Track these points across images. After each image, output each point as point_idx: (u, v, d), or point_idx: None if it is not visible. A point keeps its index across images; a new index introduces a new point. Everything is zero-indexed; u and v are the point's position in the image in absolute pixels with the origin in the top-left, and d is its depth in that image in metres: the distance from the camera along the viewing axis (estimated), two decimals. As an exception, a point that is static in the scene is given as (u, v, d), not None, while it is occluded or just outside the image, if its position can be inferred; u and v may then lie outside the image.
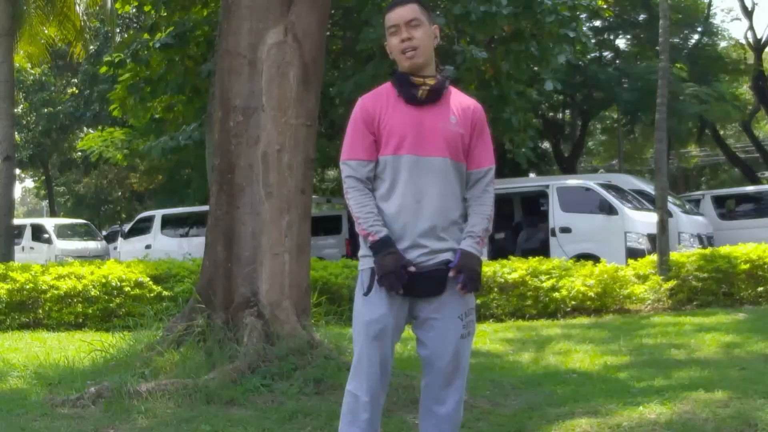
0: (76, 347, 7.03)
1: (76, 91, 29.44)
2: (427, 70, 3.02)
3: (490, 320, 9.31)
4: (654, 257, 10.07)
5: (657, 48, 14.02)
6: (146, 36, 13.56)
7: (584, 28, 15.75)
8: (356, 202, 2.98)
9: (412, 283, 2.90)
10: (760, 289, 9.45)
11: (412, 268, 2.89)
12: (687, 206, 14.34)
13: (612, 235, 11.84)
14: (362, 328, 2.96)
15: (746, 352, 6.27)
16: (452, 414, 2.99)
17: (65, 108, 29.07)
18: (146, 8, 13.99)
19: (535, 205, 14.93)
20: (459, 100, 3.07)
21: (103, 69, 14.21)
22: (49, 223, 21.97)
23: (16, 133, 17.99)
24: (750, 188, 17.83)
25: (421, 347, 3.02)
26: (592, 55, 23.32)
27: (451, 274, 2.91)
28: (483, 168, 3.03)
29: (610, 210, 12.06)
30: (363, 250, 3.00)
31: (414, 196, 2.94)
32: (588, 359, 6.20)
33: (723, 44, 27.62)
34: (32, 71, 28.84)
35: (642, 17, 25.04)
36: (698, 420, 3.95)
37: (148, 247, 17.11)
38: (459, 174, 3.01)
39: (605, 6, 16.39)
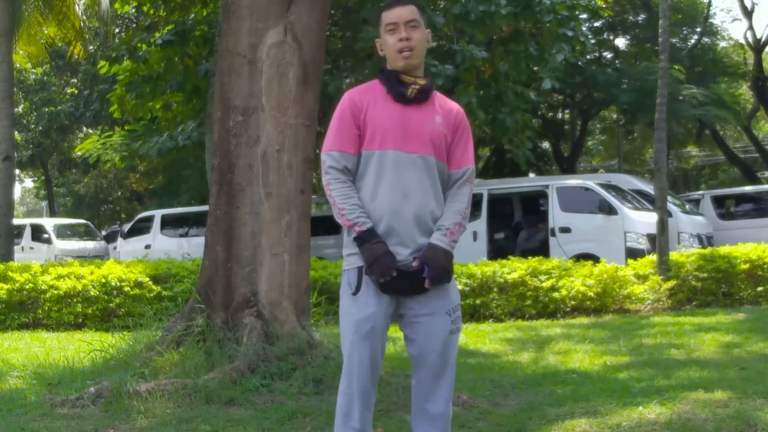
0: (76, 347, 7.03)
1: (76, 91, 29.42)
2: (418, 71, 3.06)
3: (490, 320, 9.31)
4: (654, 257, 10.07)
5: (657, 48, 14.02)
6: (145, 33, 13.54)
7: (583, 28, 15.74)
8: (340, 193, 2.98)
9: (398, 282, 2.92)
10: (760, 289, 9.45)
11: (404, 259, 2.91)
12: (687, 206, 14.35)
13: (612, 235, 11.84)
14: (352, 328, 2.97)
15: (746, 352, 6.27)
16: (444, 411, 3.01)
17: (65, 108, 29.05)
18: (145, 8, 13.97)
19: (534, 205, 14.93)
20: (443, 103, 3.12)
21: (103, 68, 14.18)
22: (49, 223, 21.97)
23: (16, 132, 18.00)
24: (750, 188, 17.83)
25: (410, 345, 3.04)
26: (592, 55, 23.32)
27: (414, 263, 2.91)
28: (463, 168, 3.06)
29: (609, 210, 12.06)
30: (348, 249, 3.00)
31: (401, 192, 2.95)
32: (588, 359, 6.20)
33: (723, 44, 27.66)
34: (34, 71, 28.83)
35: (642, 17, 25.05)
36: (698, 420, 3.95)
37: (147, 247, 17.10)
38: (441, 173, 3.04)
39: (604, 5, 16.37)
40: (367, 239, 2.91)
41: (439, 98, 3.12)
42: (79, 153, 18.55)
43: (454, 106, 3.14)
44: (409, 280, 2.92)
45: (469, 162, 3.08)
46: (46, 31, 17.02)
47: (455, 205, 3.01)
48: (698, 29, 25.39)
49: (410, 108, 3.02)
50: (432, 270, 2.90)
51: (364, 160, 3.00)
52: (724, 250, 9.89)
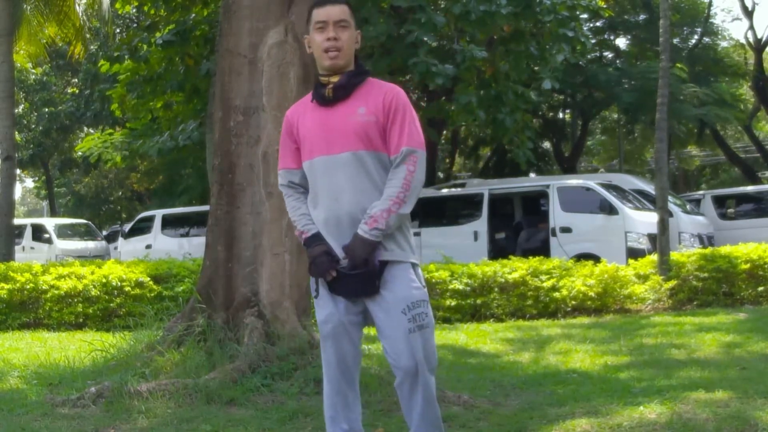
0: (77, 347, 7.02)
1: (77, 91, 29.43)
2: (346, 70, 3.04)
3: (491, 320, 9.31)
4: (654, 257, 10.07)
5: (657, 48, 14.03)
6: (146, 33, 13.55)
7: (584, 28, 15.75)
8: (290, 206, 3.13)
9: (340, 284, 2.94)
10: (761, 288, 9.45)
11: (344, 262, 2.93)
12: (687, 206, 14.34)
13: (612, 235, 11.85)
14: (319, 330, 3.06)
15: (747, 352, 6.27)
16: (424, 411, 2.99)
17: (66, 108, 29.06)
18: (146, 8, 13.97)
19: (535, 205, 14.94)
20: (375, 89, 3.04)
21: (104, 67, 14.19)
22: (50, 223, 21.98)
23: (16, 132, 18.01)
24: (750, 188, 17.83)
25: (384, 350, 3.04)
26: (593, 55, 23.31)
27: (342, 255, 2.95)
28: (399, 152, 2.96)
29: (610, 210, 12.07)
30: None
31: (331, 196, 2.98)
32: (588, 359, 6.20)
33: (723, 44, 27.67)
34: (34, 71, 28.82)
35: (642, 17, 25.05)
36: (698, 420, 3.95)
37: (148, 247, 17.11)
38: (380, 163, 2.99)
39: (605, 6, 16.37)
40: (310, 244, 3.00)
41: (370, 86, 3.05)
42: (80, 153, 18.56)
43: (387, 88, 3.05)
44: (349, 281, 2.92)
45: (405, 144, 2.95)
46: (46, 31, 17.03)
47: (387, 191, 2.94)
48: (699, 29, 25.40)
49: (333, 108, 3.02)
50: (350, 260, 2.91)
51: (305, 171, 3.09)
52: (725, 250, 9.89)
